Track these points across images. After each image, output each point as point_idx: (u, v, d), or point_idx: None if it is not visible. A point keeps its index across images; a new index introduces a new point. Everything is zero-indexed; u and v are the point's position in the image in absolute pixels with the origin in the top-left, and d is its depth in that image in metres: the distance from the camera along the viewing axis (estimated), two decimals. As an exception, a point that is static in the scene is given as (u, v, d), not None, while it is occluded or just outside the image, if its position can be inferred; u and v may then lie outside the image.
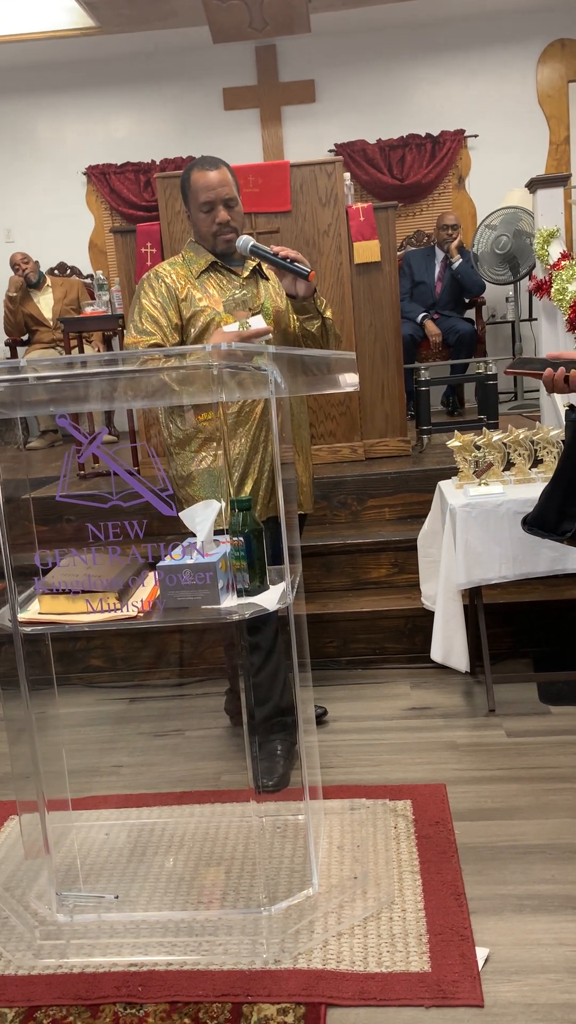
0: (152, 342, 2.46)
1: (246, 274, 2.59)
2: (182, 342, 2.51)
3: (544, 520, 1.88)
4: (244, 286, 2.58)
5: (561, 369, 1.77)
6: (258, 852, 2.00)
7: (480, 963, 1.77)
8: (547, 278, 3.65)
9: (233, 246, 2.54)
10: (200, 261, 2.57)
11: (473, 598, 3.05)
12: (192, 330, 2.51)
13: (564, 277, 3.39)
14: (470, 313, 6.03)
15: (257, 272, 2.62)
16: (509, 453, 3.05)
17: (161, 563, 1.87)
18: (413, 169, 6.68)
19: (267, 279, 2.64)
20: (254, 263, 2.61)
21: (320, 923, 1.92)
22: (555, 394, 2.20)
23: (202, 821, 2.37)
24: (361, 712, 2.98)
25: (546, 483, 2.80)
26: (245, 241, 2.51)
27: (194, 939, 1.90)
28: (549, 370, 1.82)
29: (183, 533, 1.99)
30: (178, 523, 2.00)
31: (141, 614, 1.87)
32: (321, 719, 2.89)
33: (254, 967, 1.80)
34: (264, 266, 2.63)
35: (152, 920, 1.97)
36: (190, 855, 2.22)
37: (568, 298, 3.31)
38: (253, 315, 2.50)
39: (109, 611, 1.86)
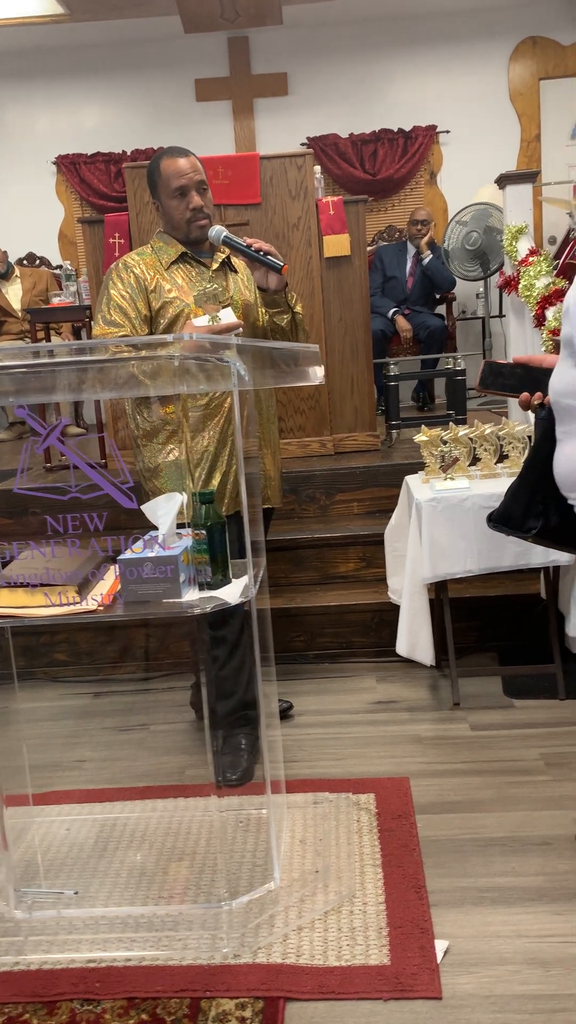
0: (121, 334, 2.43)
1: (215, 266, 2.57)
2: (151, 333, 2.49)
3: (509, 517, 1.88)
4: (213, 278, 2.55)
5: (538, 394, 1.77)
6: (219, 847, 1.99)
7: (439, 955, 1.77)
8: (515, 274, 3.66)
9: (207, 233, 2.51)
10: (170, 251, 2.54)
11: (439, 592, 3.06)
12: (161, 321, 2.49)
13: (532, 273, 3.40)
14: (441, 309, 6.05)
15: (227, 264, 2.60)
16: (475, 448, 3.06)
17: (122, 556, 1.85)
18: (385, 164, 6.69)
19: (236, 271, 2.62)
20: (224, 255, 2.59)
21: (281, 917, 1.91)
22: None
23: (165, 816, 2.36)
24: (327, 706, 2.98)
25: (512, 478, 2.81)
26: (218, 232, 2.48)
27: (154, 934, 1.89)
28: (525, 395, 1.82)
29: (148, 526, 1.97)
30: (143, 516, 1.99)
31: (101, 608, 1.85)
32: (286, 713, 2.89)
33: (213, 962, 1.79)
34: (233, 258, 2.61)
35: (112, 916, 1.96)
36: (152, 850, 2.21)
37: (535, 294, 3.32)
38: (223, 308, 2.48)
39: (68, 605, 1.84)
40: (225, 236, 2.47)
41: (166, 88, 6.70)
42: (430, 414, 5.48)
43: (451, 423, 3.14)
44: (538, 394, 1.78)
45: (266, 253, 2.44)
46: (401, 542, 3.15)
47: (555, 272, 4.11)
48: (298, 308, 2.63)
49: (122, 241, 4.07)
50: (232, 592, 1.90)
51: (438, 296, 5.98)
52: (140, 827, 2.32)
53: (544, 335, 3.17)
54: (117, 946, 1.86)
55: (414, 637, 2.93)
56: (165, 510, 1.98)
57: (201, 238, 2.53)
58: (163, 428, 2.50)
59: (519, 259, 3.62)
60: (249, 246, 2.44)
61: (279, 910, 1.94)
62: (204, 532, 1.89)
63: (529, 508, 1.84)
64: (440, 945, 1.80)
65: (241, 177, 4.01)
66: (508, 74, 6.69)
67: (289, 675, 3.20)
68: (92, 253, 4.19)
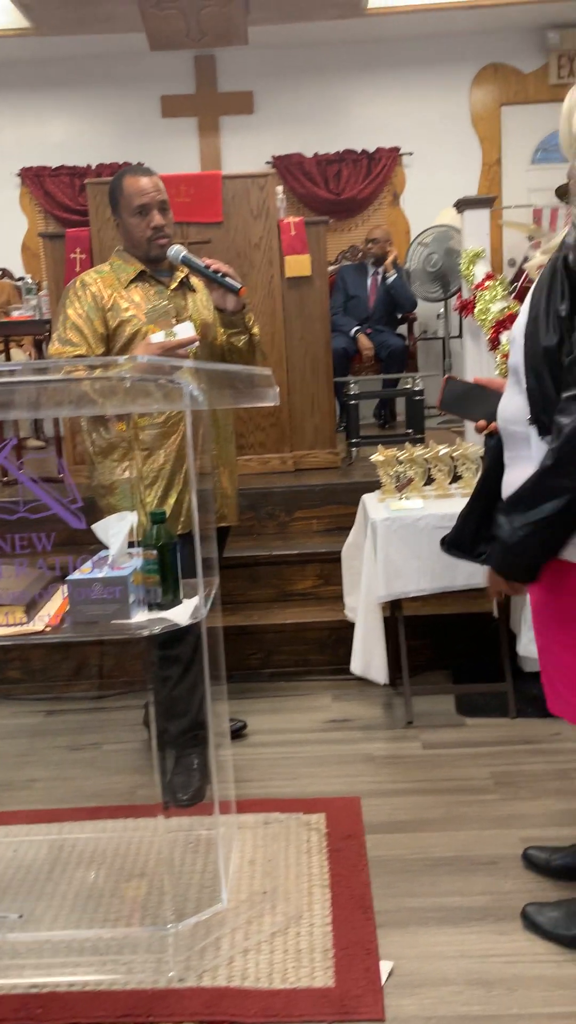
0: (76, 353, 2.42)
1: (174, 285, 2.58)
2: (108, 352, 2.49)
3: (461, 541, 1.92)
4: (172, 297, 2.56)
5: (493, 424, 1.81)
6: (166, 869, 1.98)
7: (384, 977, 1.78)
8: (472, 298, 3.72)
9: (166, 251, 2.52)
10: (128, 270, 2.54)
11: (394, 610, 3.08)
12: (118, 340, 2.49)
13: (487, 297, 3.46)
14: (402, 329, 6.12)
15: (185, 283, 2.61)
16: (430, 469, 3.10)
17: (70, 576, 1.85)
18: (349, 184, 6.76)
19: (195, 291, 2.63)
20: (183, 274, 2.59)
21: (227, 939, 1.91)
22: None
23: (114, 836, 2.34)
24: (281, 725, 2.98)
25: (465, 499, 2.85)
26: (177, 251, 2.49)
27: (99, 958, 1.87)
28: (482, 422, 1.86)
29: (102, 543, 1.97)
30: (94, 535, 1.98)
31: (49, 628, 1.84)
32: (239, 732, 2.88)
33: (158, 986, 1.78)
34: (192, 278, 2.62)
35: (57, 940, 1.94)
36: (100, 872, 2.19)
37: (490, 318, 3.38)
38: (180, 323, 2.49)
39: (15, 625, 1.82)
40: (184, 256, 2.48)
41: (132, 104, 6.72)
42: (391, 432, 5.53)
43: (407, 443, 3.17)
44: (493, 424, 1.81)
45: (224, 274, 2.45)
46: (358, 560, 3.17)
47: (512, 296, 4.19)
48: (255, 330, 2.64)
49: (83, 256, 4.07)
50: (182, 613, 1.90)
51: (399, 316, 6.04)
52: (89, 848, 2.30)
53: (498, 359, 3.23)
54: (61, 971, 1.84)
55: (368, 655, 2.94)
56: (116, 529, 1.98)
57: (160, 256, 2.54)
58: (119, 446, 2.49)
59: (475, 283, 3.68)
60: (207, 267, 2.45)
61: (226, 932, 1.93)
62: (155, 552, 1.90)
63: (479, 533, 1.88)
64: (385, 966, 1.81)
65: (203, 196, 4.03)
66: (470, 99, 6.81)
67: (245, 693, 3.19)
68: (53, 267, 4.18)
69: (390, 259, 5.83)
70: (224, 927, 1.95)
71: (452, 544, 1.94)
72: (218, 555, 2.55)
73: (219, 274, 2.45)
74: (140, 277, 2.55)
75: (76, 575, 1.84)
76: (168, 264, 2.57)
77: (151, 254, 2.53)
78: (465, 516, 1.90)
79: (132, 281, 2.53)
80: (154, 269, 2.57)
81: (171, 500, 2.49)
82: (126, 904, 2.05)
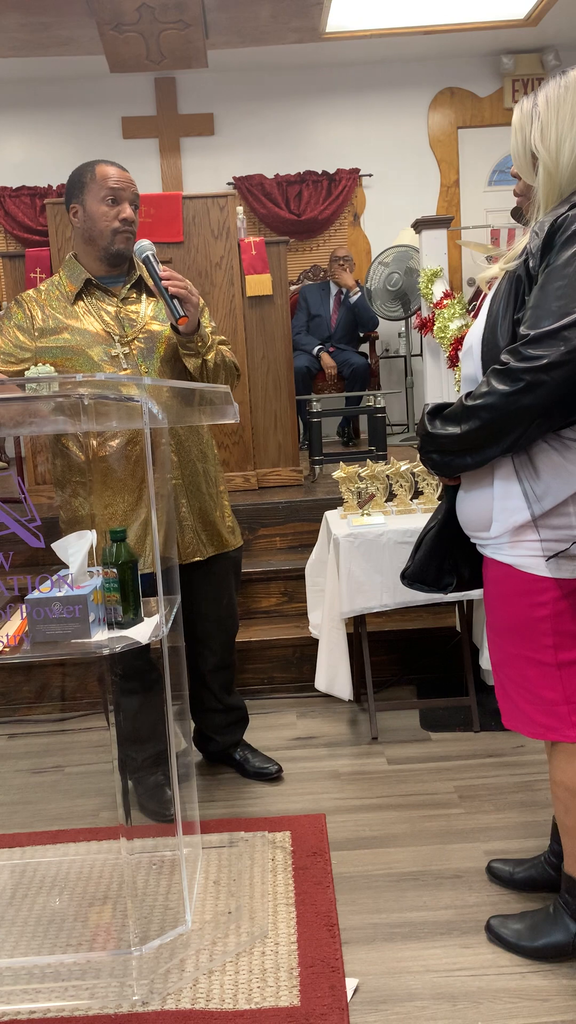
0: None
1: (123, 293, 2.37)
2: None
3: (425, 576, 1.94)
4: (120, 305, 2.36)
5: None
6: (128, 891, 1.95)
7: (349, 994, 1.77)
8: (431, 316, 3.77)
9: (129, 248, 2.32)
10: (70, 285, 2.34)
11: (357, 627, 3.10)
12: (57, 359, 2.30)
13: (446, 316, 3.51)
14: (364, 347, 6.18)
15: (139, 287, 2.41)
16: (391, 485, 3.12)
17: (29, 596, 1.83)
18: (310, 205, 6.83)
19: (152, 297, 2.42)
20: (132, 281, 2.40)
21: (192, 961, 1.89)
22: None
23: (76, 860, 2.31)
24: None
25: (427, 514, 2.88)
26: (143, 247, 2.24)
27: (60, 984, 1.84)
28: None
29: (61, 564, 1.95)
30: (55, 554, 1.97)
31: (7, 649, 1.82)
32: (278, 775, 2.71)
33: (121, 1011, 1.76)
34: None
35: (17, 966, 1.90)
36: (62, 896, 2.16)
37: (449, 336, 3.43)
38: (37, 365, 2.27)
39: (-27, 646, 1.80)
40: (147, 256, 2.23)
41: (93, 125, 6.74)
42: (354, 449, 5.57)
43: (368, 460, 3.19)
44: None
45: (172, 296, 2.20)
46: (322, 577, 3.18)
47: (472, 315, 4.25)
48: (208, 356, 2.35)
49: (43, 275, 4.06)
50: (143, 631, 1.90)
51: (362, 334, 6.10)
52: (50, 872, 2.26)
53: (457, 375, 3.27)
54: (22, 998, 1.81)
55: (332, 672, 2.95)
56: (76, 548, 1.96)
57: (121, 254, 2.33)
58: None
59: (434, 301, 3.73)
60: (162, 279, 2.20)
61: (190, 954, 1.91)
62: (115, 570, 1.89)
63: (442, 567, 1.91)
64: (350, 983, 1.80)
65: (164, 216, 4.05)
66: (428, 122, 6.93)
67: (209, 712, 3.17)
68: (13, 287, 4.17)
69: (351, 279, 5.90)
70: (188, 949, 1.92)
71: (415, 579, 1.96)
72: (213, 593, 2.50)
73: (167, 292, 2.19)
74: (86, 288, 2.34)
75: (35, 594, 1.83)
76: (123, 266, 2.38)
77: (112, 248, 2.31)
78: (428, 554, 1.92)
79: (77, 296, 2.33)
80: (106, 273, 2.36)
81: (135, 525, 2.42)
82: (89, 928, 2.02)
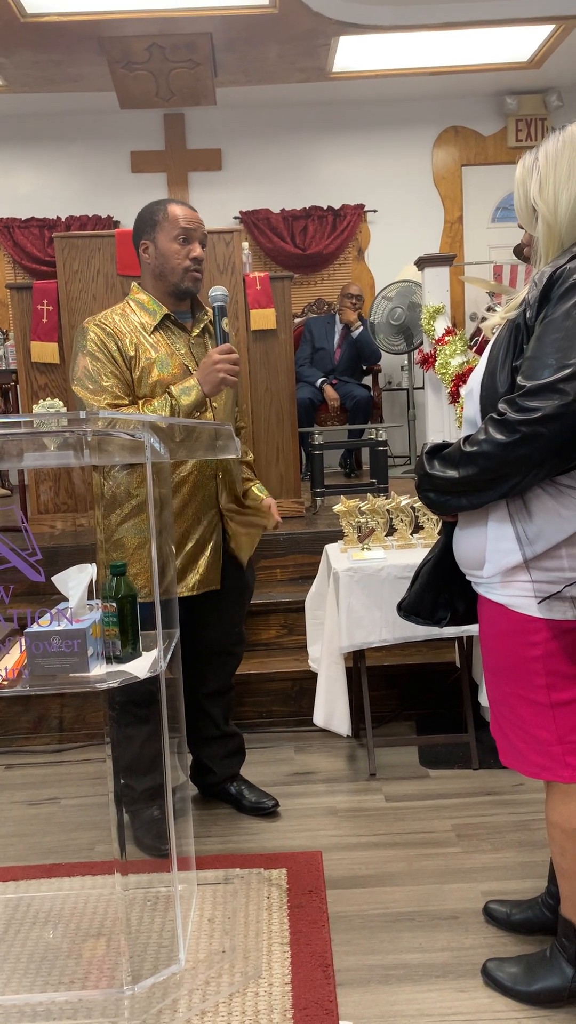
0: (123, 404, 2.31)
1: (196, 332, 2.45)
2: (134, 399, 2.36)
3: (420, 609, 1.96)
4: (193, 345, 2.43)
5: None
6: (122, 928, 1.94)
7: (343, 1038, 1.75)
8: (433, 352, 3.81)
9: (197, 287, 2.41)
10: (148, 318, 2.39)
11: (356, 661, 3.09)
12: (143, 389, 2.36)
13: (447, 352, 3.54)
14: (367, 380, 6.22)
15: (207, 331, 2.48)
16: (392, 519, 3.14)
17: (29, 629, 1.84)
18: (315, 239, 6.91)
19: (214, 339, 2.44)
20: (205, 320, 2.47)
21: (184, 1001, 1.87)
22: None
23: (71, 895, 2.29)
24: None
25: (426, 549, 2.89)
26: (223, 294, 2.34)
27: (52, 1023, 1.82)
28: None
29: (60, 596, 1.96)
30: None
31: (6, 682, 1.82)
32: (273, 810, 2.69)
33: (112, 1052, 1.74)
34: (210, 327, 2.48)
35: (8, 1004, 1.88)
36: (56, 931, 2.14)
37: (450, 372, 3.46)
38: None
39: (-28, 679, 1.81)
40: (221, 306, 2.32)
41: (102, 158, 6.85)
42: (356, 481, 5.60)
43: (369, 494, 3.21)
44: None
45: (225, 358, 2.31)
46: (321, 610, 3.18)
47: (473, 349, 4.29)
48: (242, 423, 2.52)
49: (50, 308, 4.11)
50: (141, 666, 1.90)
51: (365, 367, 6.15)
52: (44, 907, 2.25)
53: (458, 411, 3.29)
54: (12, 1037, 1.79)
55: (331, 707, 2.94)
56: (76, 581, 1.97)
57: (190, 291, 2.41)
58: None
59: (436, 338, 3.77)
60: (225, 335, 2.33)
61: (183, 993, 1.89)
62: (114, 604, 1.90)
63: (437, 601, 1.92)
64: (344, 1027, 1.78)
65: (170, 250, 4.10)
66: (432, 159, 7.03)
67: (207, 745, 3.16)
68: (20, 319, 4.22)
69: (355, 314, 5.96)
70: (181, 988, 1.91)
71: (410, 611, 1.98)
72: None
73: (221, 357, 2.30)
74: (162, 323, 2.40)
75: (34, 627, 1.83)
76: (189, 304, 2.46)
77: (182, 286, 2.39)
78: (424, 587, 1.93)
79: (155, 328, 2.39)
80: (176, 308, 2.43)
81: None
82: (82, 966, 2.00)
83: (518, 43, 5.83)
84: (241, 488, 2.59)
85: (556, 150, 1.59)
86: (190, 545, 2.44)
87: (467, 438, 1.63)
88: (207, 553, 2.47)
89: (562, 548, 1.60)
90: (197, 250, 2.38)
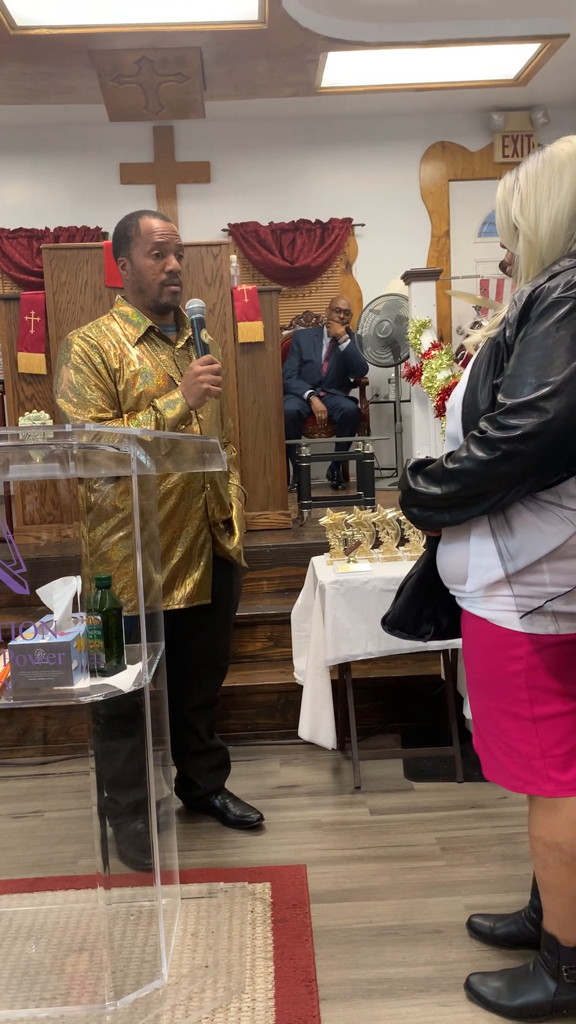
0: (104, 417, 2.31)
1: (181, 343, 2.44)
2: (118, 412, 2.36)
3: (404, 623, 1.97)
4: (178, 357, 2.42)
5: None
6: (105, 943, 1.93)
7: (326, 1053, 1.75)
8: (419, 366, 3.83)
9: (177, 300, 2.41)
10: (131, 329, 2.39)
11: (342, 674, 3.09)
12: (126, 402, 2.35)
13: (434, 366, 3.57)
14: (355, 392, 6.25)
15: (191, 343, 2.46)
16: (378, 532, 3.15)
17: (13, 642, 1.83)
18: (303, 252, 6.95)
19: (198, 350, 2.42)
20: (189, 332, 2.45)
21: (167, 1017, 1.86)
22: None
23: (53, 909, 2.28)
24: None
25: (412, 562, 2.89)
26: (200, 306, 2.34)
27: (33, 1040, 1.81)
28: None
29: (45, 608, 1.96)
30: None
31: (-11, 695, 1.81)
32: (259, 823, 2.68)
33: (93, 1068, 1.73)
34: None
35: (-11, 1021, 1.87)
36: (38, 946, 2.13)
37: (436, 386, 3.48)
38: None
39: (-45, 692, 1.80)
40: (199, 318, 2.32)
41: (91, 170, 6.87)
42: (343, 493, 5.61)
43: (356, 507, 3.22)
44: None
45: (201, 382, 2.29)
46: (308, 622, 3.18)
47: (459, 363, 4.32)
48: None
49: (38, 319, 4.11)
50: (126, 679, 1.90)
51: (352, 380, 6.18)
52: (27, 922, 2.23)
53: (443, 425, 3.31)
54: (-8, 1054, 1.77)
55: (316, 720, 2.94)
56: (60, 594, 1.97)
57: (169, 305, 2.40)
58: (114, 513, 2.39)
59: (423, 351, 3.79)
60: (206, 348, 2.32)
61: (165, 1009, 1.88)
62: (99, 617, 1.89)
63: (421, 615, 1.93)
64: (327, 1042, 1.77)
65: (158, 262, 4.11)
66: (419, 174, 7.09)
67: (192, 758, 3.15)
68: (7, 330, 4.21)
69: (343, 327, 5.99)
70: (164, 1004, 1.90)
71: (394, 625, 1.99)
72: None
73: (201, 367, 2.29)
74: (147, 335, 2.39)
75: (18, 640, 1.83)
76: (172, 317, 2.45)
77: (161, 300, 2.38)
78: (408, 601, 1.94)
79: (139, 340, 2.38)
80: (159, 322, 2.43)
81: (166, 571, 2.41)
82: (64, 981, 1.99)
83: (505, 61, 5.89)
84: (228, 500, 2.59)
85: (536, 170, 1.62)
86: (177, 558, 2.43)
87: (449, 455, 1.64)
88: (198, 568, 2.46)
89: (543, 563, 1.61)
90: (172, 263, 2.37)
